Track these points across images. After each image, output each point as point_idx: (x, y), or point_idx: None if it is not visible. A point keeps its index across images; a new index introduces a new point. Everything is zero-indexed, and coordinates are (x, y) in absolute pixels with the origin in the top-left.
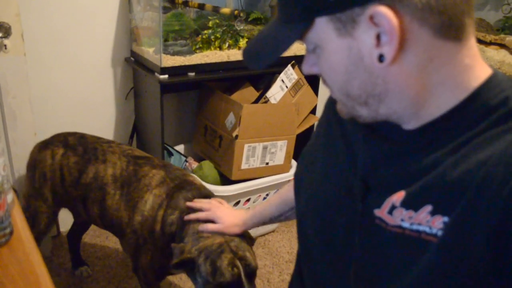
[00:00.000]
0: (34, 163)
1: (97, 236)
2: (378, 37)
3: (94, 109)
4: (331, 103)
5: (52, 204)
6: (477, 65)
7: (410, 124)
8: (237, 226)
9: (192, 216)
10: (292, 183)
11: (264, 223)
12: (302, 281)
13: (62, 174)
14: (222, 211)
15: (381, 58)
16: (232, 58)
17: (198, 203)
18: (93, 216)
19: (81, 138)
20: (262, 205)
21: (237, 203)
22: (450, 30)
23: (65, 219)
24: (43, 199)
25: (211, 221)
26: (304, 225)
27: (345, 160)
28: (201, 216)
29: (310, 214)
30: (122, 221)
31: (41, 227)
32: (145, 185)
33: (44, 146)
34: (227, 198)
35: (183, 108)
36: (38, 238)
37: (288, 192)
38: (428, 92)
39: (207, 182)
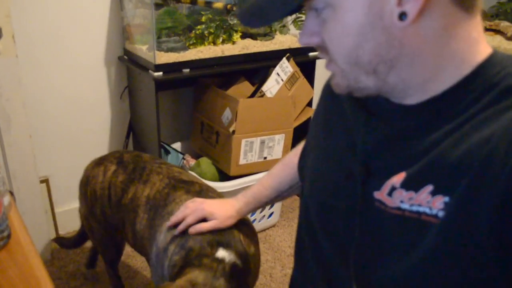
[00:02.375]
0: (86, 180)
1: None
2: None
3: (89, 109)
4: (328, 89)
5: (105, 226)
6: (482, 41)
7: (413, 98)
8: (232, 218)
9: (181, 227)
10: (283, 161)
11: (258, 208)
12: (304, 269)
13: (109, 194)
14: (211, 206)
15: (402, 16)
16: (227, 53)
17: (177, 213)
18: (129, 242)
19: (137, 156)
20: (254, 189)
21: None
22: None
23: (64, 222)
24: (97, 221)
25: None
26: (308, 210)
27: (345, 145)
28: (190, 221)
29: (313, 199)
30: (147, 250)
31: (110, 253)
32: (167, 212)
33: (98, 162)
34: (226, 195)
35: (179, 105)
36: (112, 265)
37: (281, 172)
38: (438, 64)
39: (206, 179)
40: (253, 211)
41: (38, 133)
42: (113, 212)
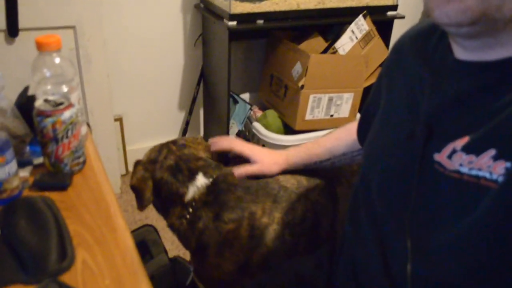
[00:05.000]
0: None
1: None
2: None
3: (164, 54)
4: (394, 49)
5: None
6: None
7: (496, 53)
8: (277, 164)
9: (224, 144)
10: (345, 126)
11: (307, 164)
12: (357, 227)
13: None
14: (258, 149)
15: None
16: (302, 7)
17: (217, 140)
18: None
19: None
20: (309, 145)
21: None
22: None
23: (134, 159)
24: None
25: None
26: (366, 169)
27: (407, 104)
28: (237, 148)
29: (371, 158)
30: None
31: None
32: None
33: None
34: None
35: (250, 56)
36: None
37: (340, 135)
38: None
39: (271, 131)
40: (302, 166)
41: (115, 74)
42: None
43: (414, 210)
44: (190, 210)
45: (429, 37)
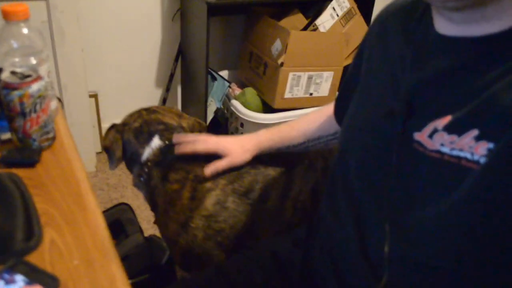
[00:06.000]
0: None
1: None
2: None
3: (141, 29)
4: (374, 26)
5: None
6: None
7: (481, 28)
8: (248, 151)
9: (187, 149)
10: (321, 109)
11: (280, 148)
12: (334, 208)
13: None
14: (225, 140)
15: None
16: None
17: (179, 144)
18: None
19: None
20: (281, 128)
21: None
22: None
23: None
24: None
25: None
26: (344, 148)
27: (387, 81)
28: (200, 148)
29: (349, 136)
30: None
31: None
32: None
33: None
34: (268, 127)
35: (230, 33)
36: None
37: (315, 118)
38: None
39: (249, 109)
40: (275, 150)
41: (90, 49)
42: None
43: (393, 190)
44: (146, 170)
45: (412, 12)
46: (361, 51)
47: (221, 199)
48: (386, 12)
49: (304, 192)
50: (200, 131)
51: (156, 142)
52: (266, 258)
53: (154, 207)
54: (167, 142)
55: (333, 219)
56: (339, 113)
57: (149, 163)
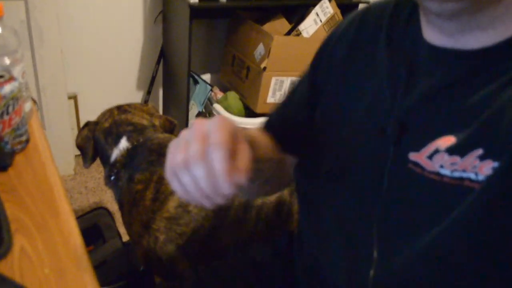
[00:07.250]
0: None
1: None
2: None
3: (122, 31)
4: (359, 27)
5: None
6: None
7: (479, 40)
8: None
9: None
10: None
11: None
12: (316, 228)
13: None
14: None
15: None
16: None
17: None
18: None
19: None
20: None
21: None
22: None
23: None
24: None
25: None
26: (329, 168)
27: (376, 96)
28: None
29: (331, 156)
30: None
31: None
32: None
33: None
34: None
35: (212, 36)
36: None
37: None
38: None
39: (232, 113)
40: None
41: (70, 50)
42: None
43: (383, 216)
44: (115, 170)
45: (396, 18)
46: (318, 63)
47: (183, 202)
48: (366, 16)
49: (268, 204)
50: (171, 129)
51: (123, 143)
52: (246, 267)
53: (121, 207)
54: (135, 143)
55: (315, 237)
56: (287, 141)
57: (117, 164)
